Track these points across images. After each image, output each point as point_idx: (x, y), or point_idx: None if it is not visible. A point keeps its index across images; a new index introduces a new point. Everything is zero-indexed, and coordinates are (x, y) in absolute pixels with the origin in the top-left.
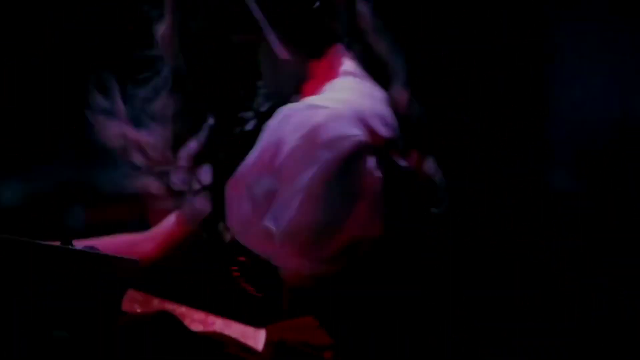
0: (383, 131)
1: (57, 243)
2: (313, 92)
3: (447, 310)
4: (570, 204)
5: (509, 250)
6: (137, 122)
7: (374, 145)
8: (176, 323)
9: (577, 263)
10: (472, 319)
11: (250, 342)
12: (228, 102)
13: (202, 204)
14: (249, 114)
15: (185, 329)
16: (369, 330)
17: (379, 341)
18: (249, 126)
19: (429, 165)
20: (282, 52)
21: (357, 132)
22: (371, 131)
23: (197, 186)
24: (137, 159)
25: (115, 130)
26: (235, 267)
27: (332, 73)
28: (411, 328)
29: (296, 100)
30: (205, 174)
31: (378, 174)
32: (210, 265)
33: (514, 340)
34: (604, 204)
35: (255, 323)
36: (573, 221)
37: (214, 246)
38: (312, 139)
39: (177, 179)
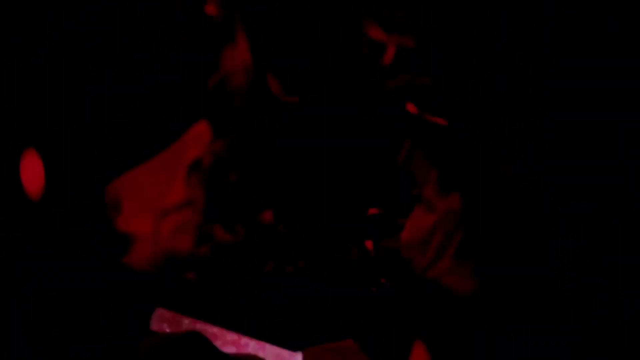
0: None
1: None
2: None
3: (446, 310)
4: (570, 204)
5: (509, 250)
6: None
7: None
8: (207, 344)
9: (577, 263)
10: (470, 319)
11: None
12: None
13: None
14: None
15: (217, 351)
16: (369, 330)
17: (378, 340)
18: None
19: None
20: None
21: None
22: None
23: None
24: None
25: None
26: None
27: None
28: (412, 328)
29: None
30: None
31: None
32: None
33: (512, 340)
34: (604, 204)
35: (291, 346)
36: (573, 221)
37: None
38: None
39: None
